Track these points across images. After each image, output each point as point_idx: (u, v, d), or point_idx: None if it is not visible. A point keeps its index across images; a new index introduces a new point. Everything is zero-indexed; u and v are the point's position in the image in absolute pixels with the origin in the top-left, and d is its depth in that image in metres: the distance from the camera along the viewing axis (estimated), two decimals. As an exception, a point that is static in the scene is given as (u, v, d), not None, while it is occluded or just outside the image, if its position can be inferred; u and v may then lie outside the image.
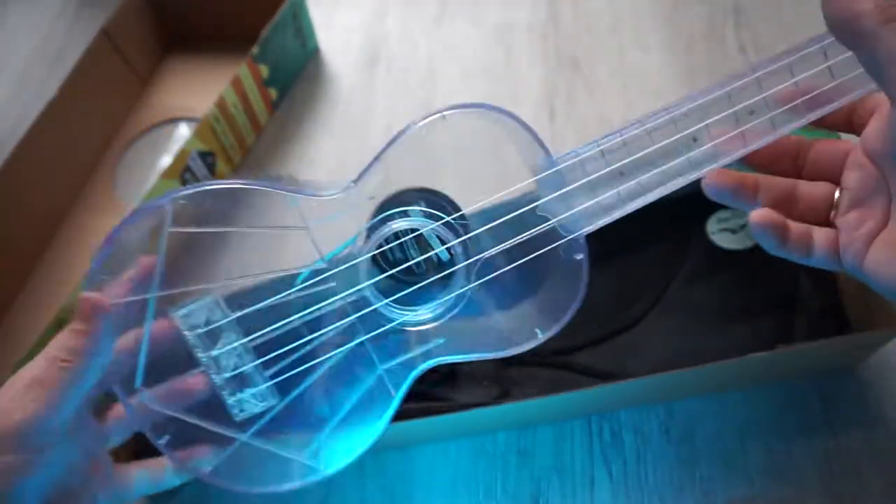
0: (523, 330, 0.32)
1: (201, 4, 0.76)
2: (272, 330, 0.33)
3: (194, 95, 0.75)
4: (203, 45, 0.79)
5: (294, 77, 0.75)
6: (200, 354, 0.33)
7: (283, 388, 0.33)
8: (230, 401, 0.33)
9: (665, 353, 0.50)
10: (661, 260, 0.54)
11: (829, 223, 0.31)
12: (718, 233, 0.55)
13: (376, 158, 0.32)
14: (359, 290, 0.33)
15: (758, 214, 0.30)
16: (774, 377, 0.49)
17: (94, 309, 0.32)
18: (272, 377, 0.33)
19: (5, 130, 0.77)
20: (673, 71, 0.68)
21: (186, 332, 0.33)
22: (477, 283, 0.32)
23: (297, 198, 0.32)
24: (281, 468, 0.33)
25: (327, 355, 0.33)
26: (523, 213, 0.32)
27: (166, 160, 0.67)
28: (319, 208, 0.32)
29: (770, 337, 0.50)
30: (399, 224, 0.33)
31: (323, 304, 0.33)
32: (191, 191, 0.32)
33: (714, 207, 0.56)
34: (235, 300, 0.33)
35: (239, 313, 0.33)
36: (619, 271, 0.54)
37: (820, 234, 0.31)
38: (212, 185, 0.32)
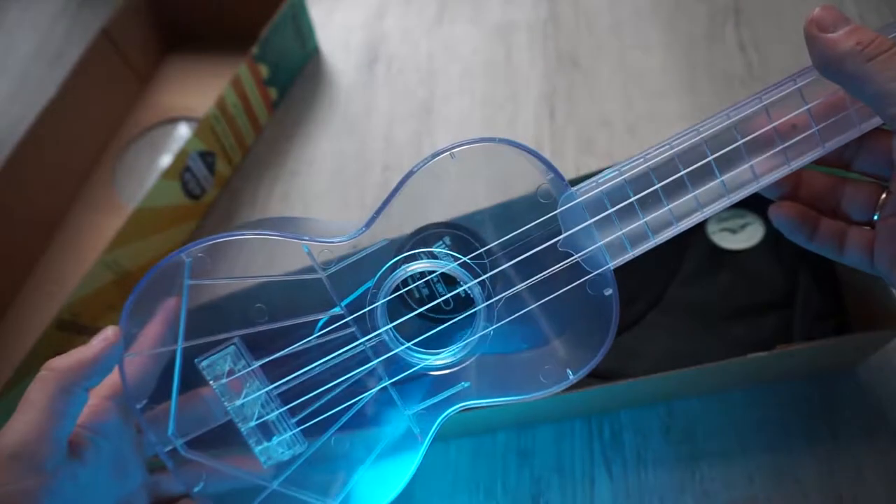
0: (553, 371, 0.31)
1: (201, 4, 0.76)
2: (295, 377, 0.33)
3: (194, 95, 0.75)
4: (203, 45, 0.79)
5: (294, 77, 0.75)
6: (226, 404, 0.33)
7: (309, 435, 0.33)
8: (257, 449, 0.33)
9: (665, 353, 0.50)
10: (660, 260, 0.54)
11: (870, 224, 0.30)
12: (718, 233, 0.55)
13: (384, 204, 0.31)
14: (377, 336, 0.32)
15: (775, 207, 0.30)
16: (774, 377, 0.49)
17: (105, 341, 0.31)
18: (298, 423, 0.33)
19: (5, 130, 0.77)
20: (673, 71, 0.68)
21: (212, 383, 0.33)
22: (499, 323, 0.31)
23: (309, 244, 0.32)
24: None
25: (352, 401, 0.32)
26: (546, 248, 0.30)
27: (166, 160, 0.67)
28: (332, 252, 0.32)
29: (770, 337, 0.50)
30: (415, 266, 0.32)
31: (341, 350, 0.32)
32: (207, 243, 0.32)
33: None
34: (257, 346, 0.33)
35: (261, 362, 0.33)
36: (618, 271, 0.54)
37: (856, 234, 0.30)
38: (225, 237, 0.32)
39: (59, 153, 0.69)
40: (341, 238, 0.31)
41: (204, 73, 0.77)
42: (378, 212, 0.31)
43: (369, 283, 0.32)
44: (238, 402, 0.33)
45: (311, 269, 0.32)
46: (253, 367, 0.33)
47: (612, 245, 0.30)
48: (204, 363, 0.33)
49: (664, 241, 0.30)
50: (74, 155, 0.71)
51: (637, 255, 0.31)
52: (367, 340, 0.32)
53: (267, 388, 0.33)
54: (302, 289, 0.33)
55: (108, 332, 0.31)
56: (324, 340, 0.32)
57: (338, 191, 0.67)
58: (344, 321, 0.32)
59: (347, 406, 0.33)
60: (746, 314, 0.51)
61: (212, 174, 0.66)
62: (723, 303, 0.52)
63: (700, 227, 0.55)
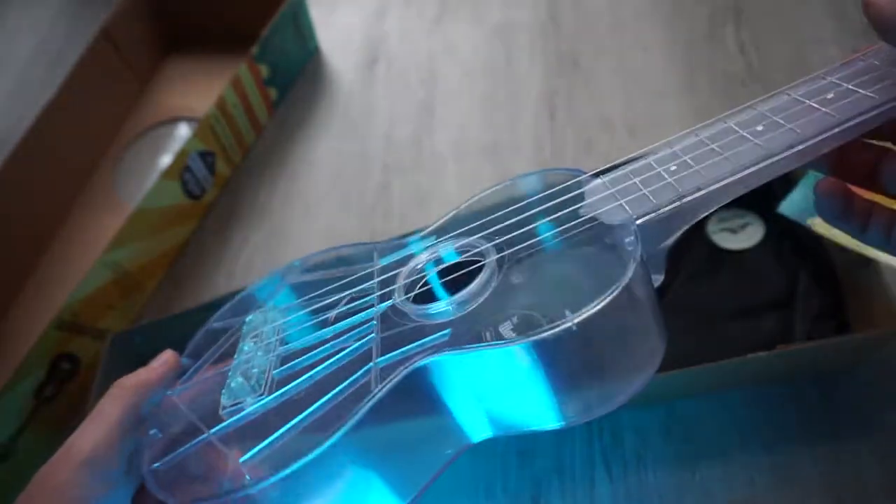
0: (553, 308, 0.27)
1: (201, 4, 0.76)
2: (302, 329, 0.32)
3: (194, 95, 0.75)
4: (203, 45, 0.79)
5: (294, 77, 0.75)
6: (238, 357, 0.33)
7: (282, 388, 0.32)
8: (230, 386, 0.32)
9: (665, 352, 0.50)
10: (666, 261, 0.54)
11: None
12: (718, 233, 0.55)
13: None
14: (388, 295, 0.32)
15: (824, 184, 0.28)
16: (774, 377, 0.49)
17: (165, 364, 0.33)
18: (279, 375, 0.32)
19: (5, 130, 0.77)
20: (673, 71, 0.68)
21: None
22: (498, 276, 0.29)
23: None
24: None
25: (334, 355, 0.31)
26: (566, 215, 0.30)
27: (166, 160, 0.67)
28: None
29: (770, 337, 0.50)
30: (416, 261, 0.32)
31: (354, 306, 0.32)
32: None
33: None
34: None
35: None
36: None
37: (882, 214, 0.28)
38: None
39: (59, 153, 0.69)
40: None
41: (204, 73, 0.77)
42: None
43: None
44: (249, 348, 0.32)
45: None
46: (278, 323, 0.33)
47: (635, 199, 0.28)
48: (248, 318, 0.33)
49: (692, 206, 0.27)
50: (74, 155, 0.71)
51: (663, 214, 0.28)
52: (380, 297, 0.31)
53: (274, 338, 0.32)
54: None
55: (167, 356, 0.33)
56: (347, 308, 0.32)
57: (338, 191, 0.67)
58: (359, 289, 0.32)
59: (327, 362, 0.30)
60: (746, 314, 0.51)
61: (212, 174, 0.66)
62: (723, 303, 0.52)
63: (700, 227, 0.55)
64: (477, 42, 0.75)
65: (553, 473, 0.48)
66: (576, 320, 0.24)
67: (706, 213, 0.28)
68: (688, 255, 0.55)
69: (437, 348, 0.27)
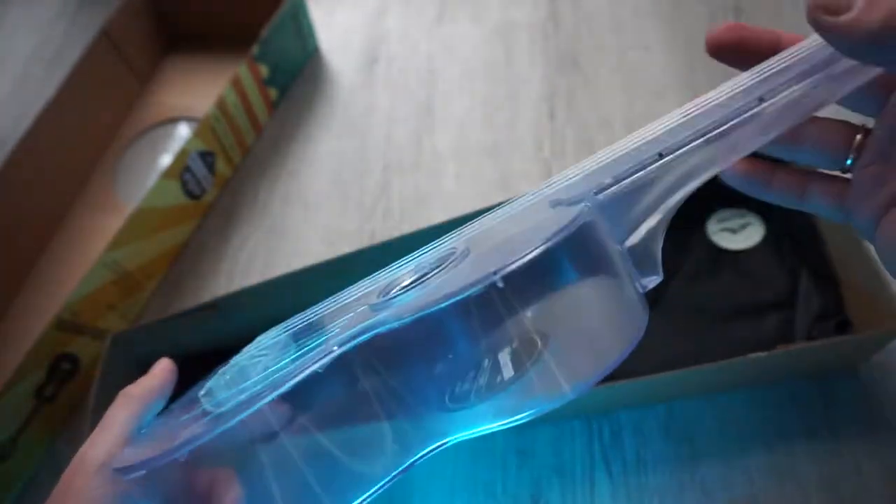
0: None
1: (201, 4, 0.76)
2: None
3: (194, 95, 0.75)
4: (203, 45, 0.79)
5: (294, 77, 0.75)
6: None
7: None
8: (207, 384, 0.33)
9: (665, 353, 0.50)
10: (661, 260, 0.54)
11: (843, 170, 0.25)
12: (718, 233, 0.55)
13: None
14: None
15: (731, 170, 0.26)
16: (775, 377, 0.49)
17: (164, 370, 0.35)
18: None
19: (5, 130, 0.77)
20: (673, 71, 0.68)
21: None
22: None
23: None
24: None
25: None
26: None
27: (166, 160, 0.67)
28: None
29: (770, 337, 0.50)
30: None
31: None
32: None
33: (714, 207, 0.56)
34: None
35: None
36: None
37: (821, 183, 0.26)
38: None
39: (59, 153, 0.69)
40: None
41: (204, 73, 0.77)
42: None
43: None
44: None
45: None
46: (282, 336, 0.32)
47: (594, 173, 0.26)
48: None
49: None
50: (74, 155, 0.71)
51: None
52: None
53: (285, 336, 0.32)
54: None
55: (165, 363, 0.36)
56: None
57: (338, 191, 0.67)
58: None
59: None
60: (747, 314, 0.51)
61: (212, 174, 0.66)
62: (723, 303, 0.52)
63: (700, 227, 0.55)
64: (477, 42, 0.75)
65: (553, 473, 0.48)
66: (500, 274, 0.22)
67: (682, 193, 0.25)
68: (688, 255, 0.55)
69: (378, 322, 0.25)
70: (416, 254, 0.31)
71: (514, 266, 0.22)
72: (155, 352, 0.59)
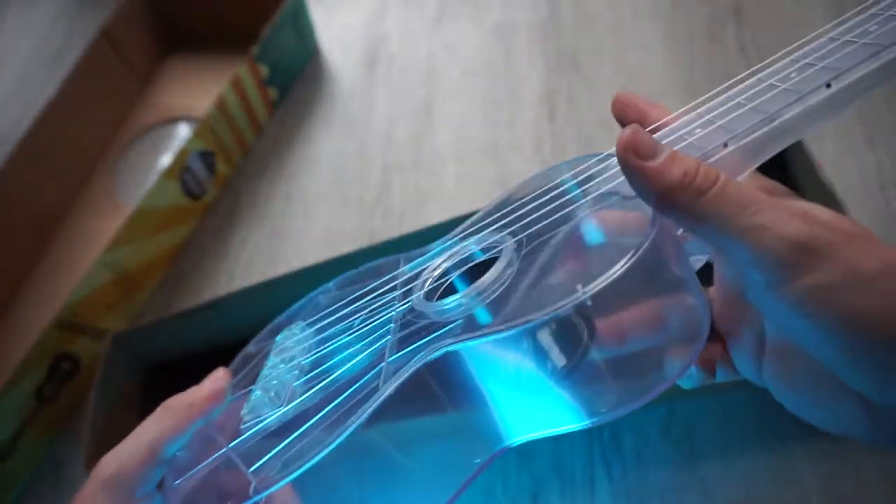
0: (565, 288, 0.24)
1: (201, 4, 0.76)
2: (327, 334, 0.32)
3: (194, 95, 0.75)
4: (203, 45, 0.79)
5: (294, 77, 0.75)
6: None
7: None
8: (251, 399, 0.32)
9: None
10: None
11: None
12: (718, 233, 0.55)
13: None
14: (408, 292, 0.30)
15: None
16: (774, 377, 0.49)
17: (216, 381, 0.31)
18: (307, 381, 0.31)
19: (5, 130, 0.77)
20: (673, 71, 0.68)
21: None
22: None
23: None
24: None
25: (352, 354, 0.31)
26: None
27: (166, 160, 0.67)
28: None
29: (770, 337, 0.50)
30: (437, 262, 0.31)
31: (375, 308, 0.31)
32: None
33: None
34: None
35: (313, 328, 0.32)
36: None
37: (714, 350, 0.27)
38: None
39: (59, 153, 0.69)
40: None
41: (204, 73, 0.77)
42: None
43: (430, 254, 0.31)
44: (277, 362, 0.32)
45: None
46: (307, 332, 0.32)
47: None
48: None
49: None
50: (74, 155, 0.71)
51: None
52: (401, 301, 0.30)
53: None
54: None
55: (221, 374, 0.32)
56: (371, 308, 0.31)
57: (338, 191, 0.67)
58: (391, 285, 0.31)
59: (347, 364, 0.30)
60: (746, 314, 0.51)
61: (212, 174, 0.66)
62: (723, 303, 0.52)
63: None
64: (477, 42, 0.75)
65: (553, 473, 0.48)
66: (589, 293, 0.22)
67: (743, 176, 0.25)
68: (688, 255, 0.55)
69: (446, 339, 0.26)
70: (445, 243, 0.31)
71: (602, 285, 0.22)
72: (155, 352, 0.59)
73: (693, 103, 0.26)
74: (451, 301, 0.28)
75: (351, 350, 0.30)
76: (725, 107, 0.25)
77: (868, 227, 0.22)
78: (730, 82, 0.26)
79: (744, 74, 0.26)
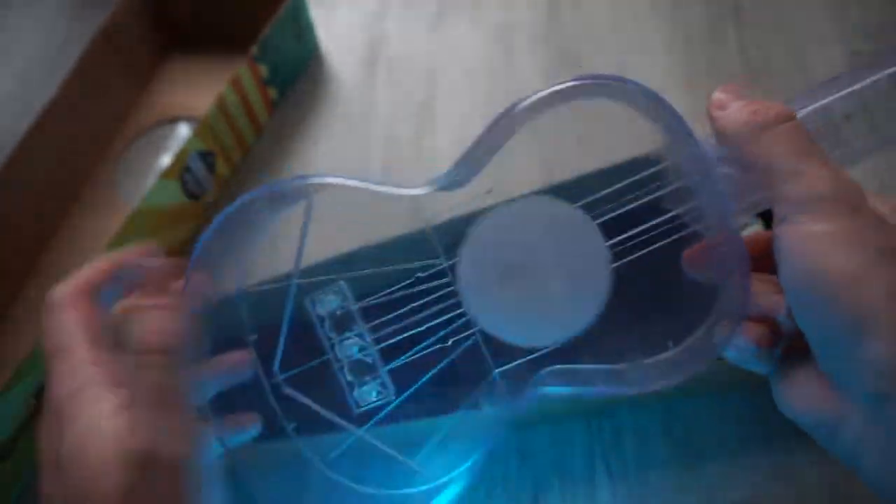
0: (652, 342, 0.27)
1: (201, 4, 0.76)
2: (392, 321, 0.32)
3: (194, 95, 0.75)
4: (203, 45, 0.79)
5: (294, 77, 0.75)
6: (332, 342, 0.32)
7: (399, 385, 0.32)
8: (353, 394, 0.32)
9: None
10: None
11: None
12: (718, 233, 0.55)
13: (491, 151, 0.28)
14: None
15: (755, 334, 0.27)
16: (774, 377, 0.49)
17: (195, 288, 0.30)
18: (390, 371, 0.32)
19: (5, 130, 0.76)
20: (673, 71, 0.68)
21: (317, 321, 0.33)
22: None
23: (416, 196, 0.30)
24: (385, 471, 0.31)
25: (446, 358, 0.30)
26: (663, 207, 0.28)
27: (166, 160, 0.67)
28: (435, 203, 0.30)
29: (770, 337, 0.50)
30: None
31: (437, 299, 0.31)
32: (331, 180, 0.31)
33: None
34: (358, 291, 0.33)
35: (364, 302, 0.32)
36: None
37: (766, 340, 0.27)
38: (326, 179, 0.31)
39: (59, 153, 0.69)
40: (444, 186, 0.29)
41: (204, 73, 0.77)
42: (481, 161, 0.28)
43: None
44: (341, 341, 0.32)
45: (414, 220, 0.31)
46: (356, 307, 0.32)
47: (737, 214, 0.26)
48: (313, 301, 0.33)
49: None
50: (74, 155, 0.71)
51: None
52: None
53: (367, 330, 0.32)
54: (404, 238, 0.31)
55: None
56: (423, 289, 0.31)
57: (338, 191, 0.67)
58: (439, 269, 0.30)
59: (438, 358, 0.31)
60: (746, 314, 0.51)
61: (212, 174, 0.66)
62: (723, 303, 0.52)
63: (700, 228, 0.55)
64: (477, 42, 0.75)
65: (553, 473, 0.48)
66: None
67: None
68: (688, 255, 0.55)
69: (552, 377, 0.28)
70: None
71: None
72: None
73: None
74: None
75: (422, 331, 0.31)
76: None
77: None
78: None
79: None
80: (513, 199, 0.30)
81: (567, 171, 0.30)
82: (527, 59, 0.72)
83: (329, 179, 0.31)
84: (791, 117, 0.24)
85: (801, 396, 0.25)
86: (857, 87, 0.25)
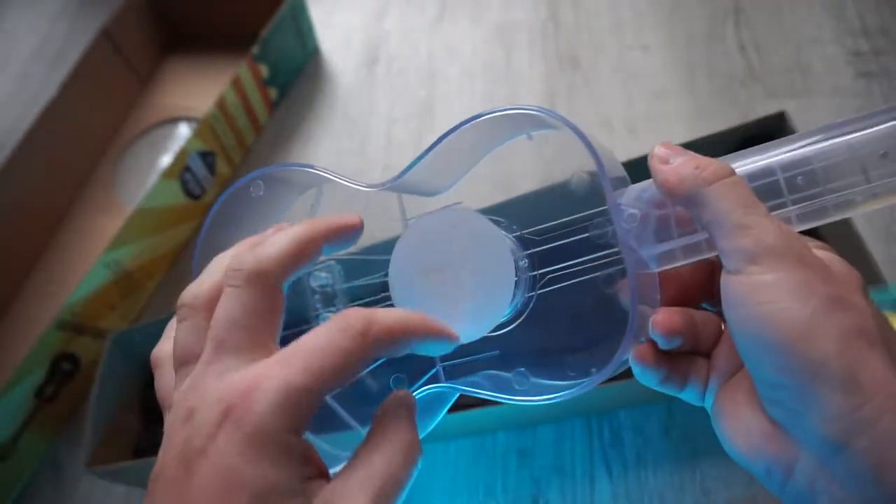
0: (579, 363, 0.28)
1: (201, 4, 0.76)
2: (370, 304, 0.33)
3: (194, 95, 0.75)
4: (203, 45, 0.79)
5: (294, 77, 0.75)
6: (317, 313, 0.33)
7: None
8: None
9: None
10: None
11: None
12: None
13: (419, 159, 0.31)
14: None
15: (643, 352, 0.27)
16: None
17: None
18: None
19: (5, 130, 0.77)
20: (673, 71, 0.68)
21: (309, 293, 0.34)
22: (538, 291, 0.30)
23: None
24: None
25: None
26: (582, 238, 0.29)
27: (166, 160, 0.67)
28: (415, 205, 0.32)
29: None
30: None
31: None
32: (333, 177, 0.31)
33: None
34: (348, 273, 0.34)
35: (352, 284, 0.33)
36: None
37: (700, 366, 0.28)
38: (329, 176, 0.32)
39: (59, 153, 0.69)
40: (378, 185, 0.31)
41: (204, 73, 0.77)
42: (409, 168, 0.30)
43: None
44: (325, 314, 0.33)
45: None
46: (343, 286, 0.33)
47: (664, 254, 0.27)
48: (310, 274, 0.34)
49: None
50: (74, 155, 0.71)
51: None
52: None
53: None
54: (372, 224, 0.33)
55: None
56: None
57: (338, 191, 0.67)
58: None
59: None
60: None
61: (212, 174, 0.66)
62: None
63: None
64: (477, 42, 0.75)
65: (553, 473, 0.48)
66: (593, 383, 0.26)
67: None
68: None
69: (490, 365, 0.30)
70: None
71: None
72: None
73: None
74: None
75: None
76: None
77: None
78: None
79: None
80: (444, 208, 0.31)
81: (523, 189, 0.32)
82: (527, 59, 0.72)
83: (327, 174, 0.32)
84: (732, 172, 0.24)
85: (746, 436, 0.25)
86: (795, 146, 0.26)
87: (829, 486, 0.22)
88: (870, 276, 0.45)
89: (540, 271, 0.30)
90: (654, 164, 0.26)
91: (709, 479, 0.46)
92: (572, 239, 0.29)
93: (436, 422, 0.32)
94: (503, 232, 0.30)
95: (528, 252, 0.31)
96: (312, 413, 0.21)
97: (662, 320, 0.26)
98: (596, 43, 0.72)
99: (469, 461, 0.49)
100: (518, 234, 0.31)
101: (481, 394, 0.30)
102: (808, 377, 0.22)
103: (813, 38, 0.67)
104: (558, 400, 0.28)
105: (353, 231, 0.28)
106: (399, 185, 0.32)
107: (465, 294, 0.30)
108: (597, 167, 0.27)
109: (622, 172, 0.28)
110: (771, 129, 0.50)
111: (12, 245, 0.65)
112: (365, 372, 0.29)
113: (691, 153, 0.26)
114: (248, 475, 0.20)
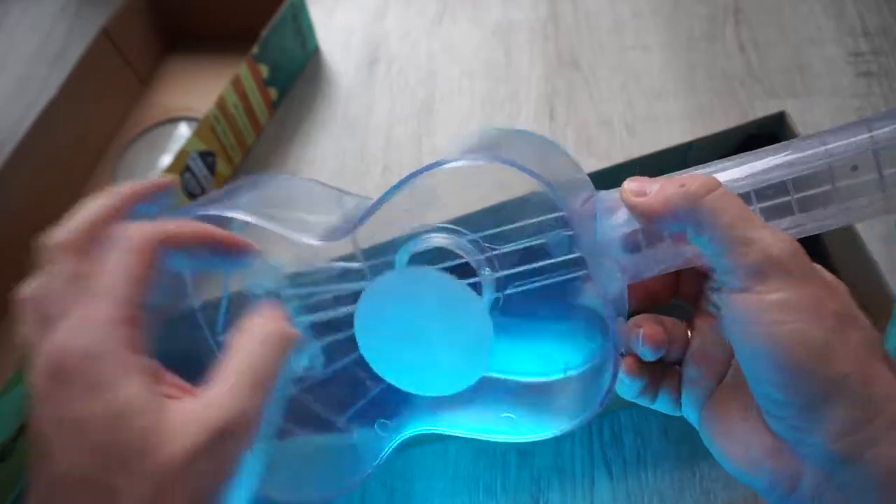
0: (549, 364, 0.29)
1: (201, 4, 0.76)
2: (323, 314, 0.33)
3: (194, 95, 0.75)
4: (203, 45, 0.79)
5: (294, 77, 0.75)
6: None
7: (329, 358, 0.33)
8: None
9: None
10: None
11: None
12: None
13: (379, 203, 0.31)
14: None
15: (630, 365, 0.27)
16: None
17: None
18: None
19: (5, 130, 0.77)
20: (673, 71, 0.68)
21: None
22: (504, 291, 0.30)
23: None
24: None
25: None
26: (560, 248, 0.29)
27: (166, 160, 0.67)
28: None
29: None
30: (435, 239, 0.32)
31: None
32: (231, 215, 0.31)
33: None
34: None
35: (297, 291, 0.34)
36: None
37: (671, 375, 0.28)
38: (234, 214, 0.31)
39: (59, 153, 0.69)
40: (334, 240, 0.31)
41: (204, 73, 0.77)
42: (370, 212, 0.31)
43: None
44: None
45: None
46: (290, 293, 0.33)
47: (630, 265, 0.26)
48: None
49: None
50: (74, 155, 0.71)
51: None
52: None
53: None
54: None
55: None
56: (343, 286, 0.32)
57: (338, 191, 0.67)
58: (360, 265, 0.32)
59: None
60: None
61: (212, 174, 0.66)
62: (723, 303, 0.52)
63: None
64: (477, 42, 0.75)
65: (553, 473, 0.48)
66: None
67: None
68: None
69: None
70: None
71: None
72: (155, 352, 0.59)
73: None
74: None
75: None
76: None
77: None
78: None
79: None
80: (408, 267, 0.31)
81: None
82: (527, 59, 0.73)
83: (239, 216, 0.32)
84: (719, 185, 0.23)
85: (745, 452, 0.24)
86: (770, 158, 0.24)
87: (834, 497, 0.22)
88: (874, 282, 0.45)
89: (504, 293, 0.30)
90: (629, 199, 0.24)
91: (709, 479, 0.46)
92: (538, 264, 0.29)
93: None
94: (468, 282, 0.29)
95: (497, 275, 0.30)
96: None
97: (650, 334, 0.26)
98: (596, 43, 0.72)
99: (469, 461, 0.49)
100: (485, 255, 0.31)
101: (469, 435, 0.30)
102: (821, 396, 0.21)
103: (813, 38, 0.67)
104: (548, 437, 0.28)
105: (165, 190, 0.28)
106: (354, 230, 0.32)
107: (443, 352, 0.29)
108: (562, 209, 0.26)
109: (582, 182, 0.28)
110: (771, 129, 0.50)
111: (12, 245, 0.65)
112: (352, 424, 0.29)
113: (663, 177, 0.24)
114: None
